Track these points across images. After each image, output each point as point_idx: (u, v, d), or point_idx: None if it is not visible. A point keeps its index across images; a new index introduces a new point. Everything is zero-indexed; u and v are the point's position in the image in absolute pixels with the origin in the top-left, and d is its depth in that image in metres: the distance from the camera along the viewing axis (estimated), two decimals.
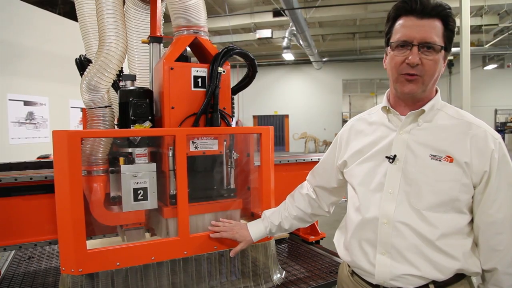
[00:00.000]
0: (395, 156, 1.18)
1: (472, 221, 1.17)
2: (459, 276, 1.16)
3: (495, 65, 17.58)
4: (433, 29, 1.11)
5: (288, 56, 15.00)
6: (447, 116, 1.19)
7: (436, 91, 1.23)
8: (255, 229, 1.64)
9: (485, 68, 17.67)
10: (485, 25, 12.70)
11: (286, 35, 12.93)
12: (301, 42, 13.28)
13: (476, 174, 1.11)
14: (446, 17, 1.12)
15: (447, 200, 1.11)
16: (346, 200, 1.44)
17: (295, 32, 12.19)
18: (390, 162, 1.18)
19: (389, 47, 1.18)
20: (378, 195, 1.20)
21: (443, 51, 1.14)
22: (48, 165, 2.37)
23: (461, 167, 1.10)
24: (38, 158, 5.20)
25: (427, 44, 1.10)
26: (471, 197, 1.14)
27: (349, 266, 1.35)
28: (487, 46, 14.41)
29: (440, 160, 1.12)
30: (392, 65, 1.16)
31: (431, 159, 1.13)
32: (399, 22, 1.15)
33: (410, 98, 1.19)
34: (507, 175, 1.12)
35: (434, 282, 1.14)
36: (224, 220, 1.72)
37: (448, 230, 1.12)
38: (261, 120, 20.80)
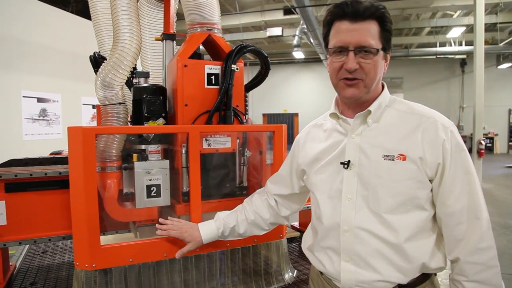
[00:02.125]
0: (349, 161, 1.15)
1: (435, 215, 1.14)
2: (424, 277, 1.15)
3: (510, 64, 17.22)
4: (368, 32, 1.08)
5: (298, 54, 14.91)
6: (397, 112, 1.16)
7: (383, 88, 1.20)
8: (206, 230, 1.51)
9: (499, 67, 17.31)
10: (500, 23, 12.44)
11: (297, 33, 12.85)
12: (312, 40, 13.20)
13: (431, 167, 1.08)
14: (381, 18, 1.09)
15: (406, 200, 1.09)
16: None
17: (306, 30, 12.10)
18: (345, 168, 1.15)
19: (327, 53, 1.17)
20: (337, 202, 1.18)
21: (381, 52, 1.11)
22: (62, 161, 2.39)
23: (416, 163, 1.07)
24: (50, 154, 5.27)
25: (363, 48, 1.08)
26: (430, 191, 1.11)
27: None
28: (501, 44, 14.14)
29: (393, 160, 1.09)
30: (331, 71, 1.15)
31: (385, 159, 1.10)
32: (335, 27, 1.13)
33: (354, 102, 1.17)
34: (462, 164, 1.09)
35: (399, 285, 1.12)
36: (173, 218, 1.58)
37: (411, 231, 1.10)
38: (270, 118, 20.76)
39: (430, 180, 1.10)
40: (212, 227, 1.51)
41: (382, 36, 1.10)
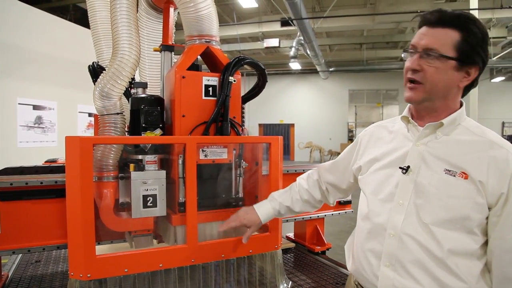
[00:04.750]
0: (408, 167, 1.15)
1: (485, 244, 1.11)
2: None
3: (503, 78, 17.50)
4: (441, 38, 1.08)
5: (295, 65, 15.04)
6: (469, 131, 1.14)
7: (461, 105, 1.19)
8: (263, 211, 1.58)
9: (493, 80, 17.58)
10: (493, 37, 12.65)
11: (294, 44, 12.98)
12: (308, 52, 13.33)
13: (492, 194, 1.05)
14: (464, 28, 1.07)
15: (457, 218, 1.07)
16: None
17: (303, 42, 12.23)
18: (403, 173, 1.16)
19: None
20: (388, 205, 1.18)
21: (453, 62, 1.08)
22: (58, 169, 2.39)
23: (476, 185, 1.06)
24: (45, 162, 5.25)
25: (428, 50, 1.09)
26: (486, 218, 1.08)
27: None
28: (495, 58, 14.35)
29: (454, 176, 1.08)
30: (404, 71, 1.18)
31: (446, 173, 1.09)
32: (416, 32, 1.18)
33: (426, 111, 1.18)
34: None
35: None
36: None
37: (455, 248, 1.07)
38: (266, 128, 20.80)
39: (489, 208, 1.08)
40: (267, 207, 1.59)
41: (460, 46, 1.07)
